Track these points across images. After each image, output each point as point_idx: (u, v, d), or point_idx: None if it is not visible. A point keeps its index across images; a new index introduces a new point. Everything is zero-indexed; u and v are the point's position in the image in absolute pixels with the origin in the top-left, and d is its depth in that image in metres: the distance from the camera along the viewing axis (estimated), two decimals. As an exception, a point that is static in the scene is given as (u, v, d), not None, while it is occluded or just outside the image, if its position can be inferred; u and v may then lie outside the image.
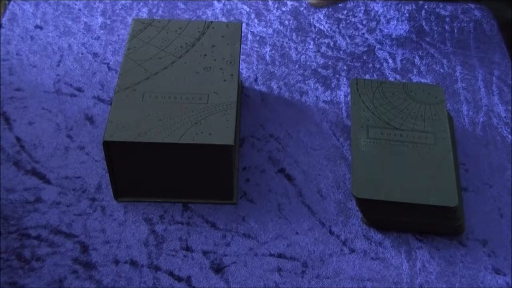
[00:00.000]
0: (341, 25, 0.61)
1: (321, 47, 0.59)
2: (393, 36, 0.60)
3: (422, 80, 0.56)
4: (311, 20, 0.61)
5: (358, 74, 0.56)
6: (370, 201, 0.43)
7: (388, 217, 0.45)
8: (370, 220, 0.46)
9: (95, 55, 0.56)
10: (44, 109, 0.52)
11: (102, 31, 0.58)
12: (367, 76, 0.56)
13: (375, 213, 0.45)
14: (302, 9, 0.62)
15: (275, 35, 0.59)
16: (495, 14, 0.62)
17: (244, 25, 0.60)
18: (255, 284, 0.43)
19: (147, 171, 0.44)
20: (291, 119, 0.53)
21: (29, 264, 0.43)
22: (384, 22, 0.61)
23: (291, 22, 0.61)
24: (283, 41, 0.59)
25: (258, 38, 0.59)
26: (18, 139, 0.50)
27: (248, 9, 0.61)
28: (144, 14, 0.60)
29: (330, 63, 0.57)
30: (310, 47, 0.59)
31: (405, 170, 0.44)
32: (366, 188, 0.43)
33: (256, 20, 0.60)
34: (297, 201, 0.48)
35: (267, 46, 0.58)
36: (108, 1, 0.61)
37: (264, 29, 0.60)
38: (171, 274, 0.43)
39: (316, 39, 0.59)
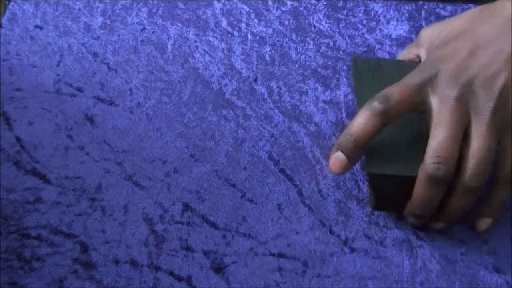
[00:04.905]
0: (341, 25, 0.61)
1: (321, 47, 0.59)
2: (393, 36, 0.60)
3: (422, 80, 0.56)
4: (311, 20, 0.61)
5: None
6: (386, 177, 0.42)
7: (401, 195, 0.44)
8: (381, 202, 0.45)
9: (95, 55, 0.56)
10: (44, 109, 0.52)
11: (102, 31, 0.58)
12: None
13: (389, 192, 0.44)
14: (302, 9, 0.62)
15: (275, 35, 0.59)
16: None
17: (244, 25, 0.60)
18: (255, 283, 0.43)
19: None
20: (291, 118, 0.53)
21: (29, 264, 0.43)
22: (384, 22, 0.61)
23: (291, 22, 0.61)
24: (283, 41, 0.59)
25: (258, 38, 0.59)
26: (18, 139, 0.50)
27: (248, 9, 0.61)
28: (144, 14, 0.60)
29: (330, 63, 0.57)
30: (310, 47, 0.59)
31: (417, 144, 0.43)
32: (380, 163, 0.42)
33: (256, 20, 0.60)
34: (297, 201, 0.48)
35: (267, 46, 0.58)
36: (108, 1, 0.61)
37: (264, 29, 0.60)
38: (171, 274, 0.43)
39: (316, 39, 0.59)
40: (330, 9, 0.62)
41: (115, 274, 0.43)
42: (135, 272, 0.43)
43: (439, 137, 0.41)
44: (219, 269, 0.44)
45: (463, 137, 0.41)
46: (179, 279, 0.43)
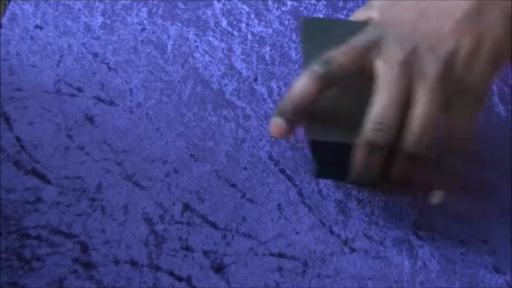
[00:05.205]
0: (341, 25, 0.61)
1: (321, 47, 0.59)
2: (393, 36, 0.60)
3: (422, 80, 0.56)
4: (311, 20, 0.61)
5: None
6: (327, 144, 0.41)
7: (343, 163, 0.43)
8: (324, 169, 0.44)
9: (95, 55, 0.56)
10: (44, 109, 0.52)
11: (102, 31, 0.58)
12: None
13: (331, 159, 0.43)
14: (302, 9, 0.62)
15: (275, 35, 0.59)
16: None
17: (244, 25, 0.60)
18: (255, 283, 0.43)
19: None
20: (291, 119, 0.53)
21: (29, 264, 0.43)
22: (384, 22, 0.61)
23: (291, 22, 0.61)
24: (283, 41, 0.59)
25: (258, 38, 0.59)
26: (18, 139, 0.50)
27: (248, 9, 0.61)
28: (144, 14, 0.60)
29: (330, 63, 0.57)
30: (310, 47, 0.59)
31: (362, 109, 0.41)
32: (322, 129, 0.41)
33: (256, 20, 0.60)
34: (297, 201, 0.48)
35: (267, 46, 0.58)
36: (108, 1, 0.61)
37: (264, 29, 0.60)
38: (171, 274, 0.43)
39: (316, 39, 0.59)
40: (330, 9, 0.62)
41: (115, 274, 0.43)
42: (135, 272, 0.43)
43: (380, 102, 0.39)
44: (219, 269, 0.44)
45: (408, 103, 0.40)
46: (179, 279, 0.43)
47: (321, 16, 0.61)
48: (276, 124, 0.42)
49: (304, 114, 0.41)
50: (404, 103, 0.39)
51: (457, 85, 0.39)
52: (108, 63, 0.56)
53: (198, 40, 0.58)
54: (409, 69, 0.39)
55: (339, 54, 0.41)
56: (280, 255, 0.44)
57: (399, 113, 0.39)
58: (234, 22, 0.60)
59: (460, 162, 0.42)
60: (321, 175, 0.45)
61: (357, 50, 0.41)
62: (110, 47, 0.57)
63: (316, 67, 0.40)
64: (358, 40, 0.41)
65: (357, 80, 0.42)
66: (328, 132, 0.41)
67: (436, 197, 0.43)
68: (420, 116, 0.39)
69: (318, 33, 0.46)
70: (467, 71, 0.39)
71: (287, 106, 0.41)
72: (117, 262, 0.43)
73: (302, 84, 0.40)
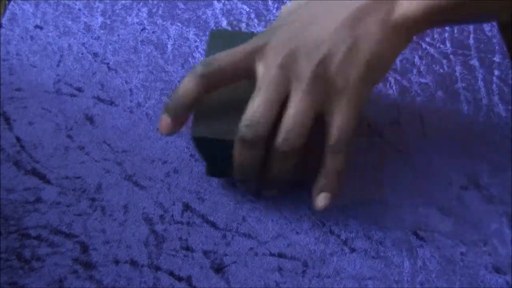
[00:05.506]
0: (341, 25, 0.61)
1: (321, 47, 0.59)
2: (393, 36, 0.60)
3: (421, 80, 0.56)
4: (311, 20, 0.61)
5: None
6: (209, 141, 0.42)
7: (230, 161, 0.44)
8: (213, 167, 0.45)
9: (95, 55, 0.56)
10: (44, 109, 0.52)
11: (102, 31, 0.58)
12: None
13: (217, 157, 0.44)
14: (302, 9, 0.62)
15: (275, 35, 0.59)
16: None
17: (244, 25, 0.60)
18: (255, 283, 0.43)
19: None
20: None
21: (29, 264, 0.43)
22: (384, 22, 0.61)
23: (291, 22, 0.61)
24: (283, 41, 0.59)
25: (258, 38, 0.59)
26: (18, 139, 0.50)
27: (248, 9, 0.61)
28: (144, 14, 0.60)
29: (330, 63, 0.57)
30: (310, 47, 0.59)
31: (246, 109, 0.42)
32: (205, 127, 0.42)
33: (256, 20, 0.60)
34: (297, 201, 0.48)
35: (267, 46, 0.58)
36: (108, 1, 0.61)
37: (264, 29, 0.60)
38: (171, 274, 0.43)
39: (316, 39, 0.59)
40: (330, 9, 0.62)
41: (115, 274, 0.43)
42: (135, 272, 0.43)
43: (255, 102, 0.41)
44: (219, 269, 0.44)
45: (285, 104, 0.42)
46: (179, 279, 0.43)
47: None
48: (163, 120, 0.43)
49: (188, 112, 0.43)
50: (280, 104, 0.41)
51: (331, 87, 0.41)
52: (108, 63, 0.56)
53: (198, 40, 0.58)
54: (286, 72, 0.41)
55: (221, 56, 0.43)
56: (280, 255, 0.44)
57: (272, 111, 0.41)
58: (234, 22, 0.60)
59: (338, 161, 0.42)
60: (212, 174, 0.46)
61: (238, 54, 0.43)
62: (110, 47, 0.57)
63: (198, 67, 0.42)
64: (242, 46, 0.43)
65: (245, 82, 0.44)
66: (209, 129, 0.43)
67: (322, 200, 0.43)
68: (291, 115, 0.41)
69: (222, 44, 0.48)
70: (340, 74, 0.41)
71: (171, 103, 0.43)
72: (117, 262, 0.43)
73: (184, 83, 0.42)
